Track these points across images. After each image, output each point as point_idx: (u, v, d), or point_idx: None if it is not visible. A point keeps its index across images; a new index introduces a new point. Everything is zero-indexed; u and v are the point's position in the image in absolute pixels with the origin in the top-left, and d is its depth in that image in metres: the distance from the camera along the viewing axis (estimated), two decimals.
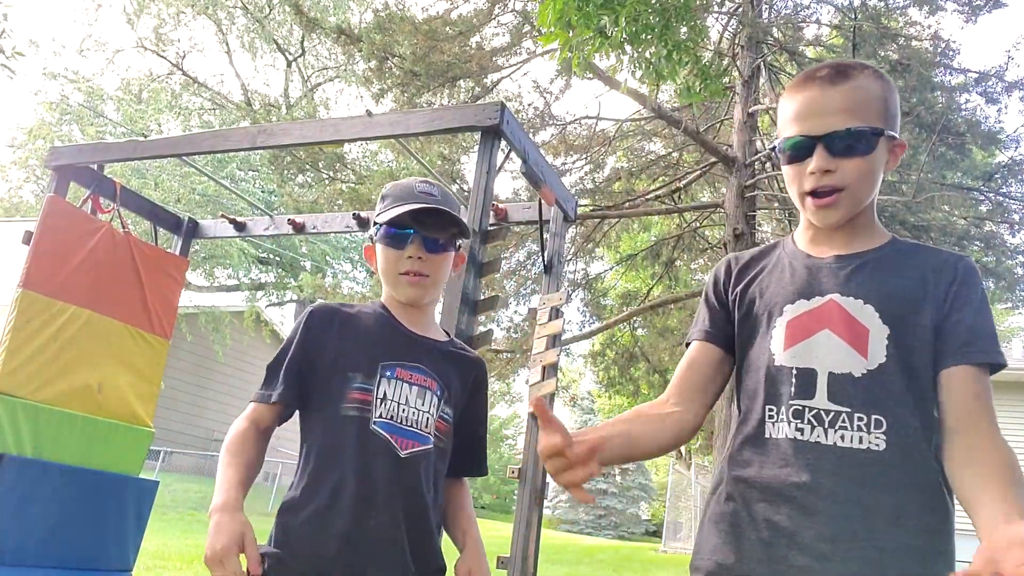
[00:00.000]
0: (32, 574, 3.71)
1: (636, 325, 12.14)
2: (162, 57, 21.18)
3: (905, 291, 1.33)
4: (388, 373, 1.65)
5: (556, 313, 4.11)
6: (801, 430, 1.30)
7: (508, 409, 34.94)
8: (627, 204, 10.36)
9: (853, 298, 1.34)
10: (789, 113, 1.39)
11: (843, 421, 1.28)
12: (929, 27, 9.42)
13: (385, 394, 1.63)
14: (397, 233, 1.69)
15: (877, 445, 1.26)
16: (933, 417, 1.29)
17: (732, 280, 1.51)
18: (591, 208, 10.24)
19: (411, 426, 1.63)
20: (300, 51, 21.54)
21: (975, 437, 1.25)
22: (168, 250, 4.94)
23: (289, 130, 4.17)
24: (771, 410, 1.36)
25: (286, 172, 10.87)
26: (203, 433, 18.28)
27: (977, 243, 9.42)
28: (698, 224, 11.29)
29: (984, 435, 1.25)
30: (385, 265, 1.72)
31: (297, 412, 1.71)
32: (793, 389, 1.33)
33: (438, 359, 1.74)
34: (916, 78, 8.50)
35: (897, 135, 1.38)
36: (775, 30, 9.71)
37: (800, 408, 1.32)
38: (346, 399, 1.62)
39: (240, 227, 5.07)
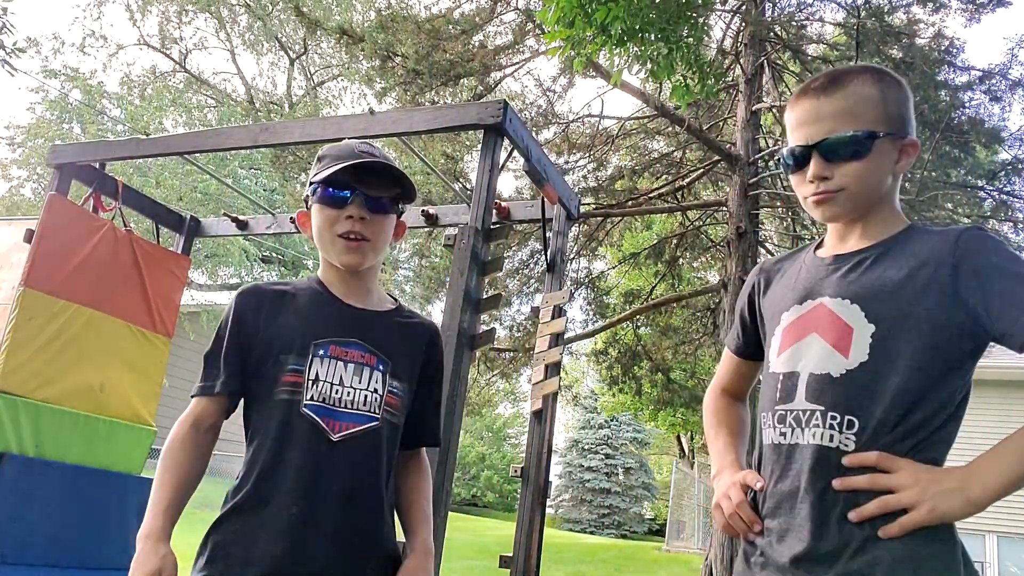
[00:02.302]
0: (33, 573, 3.70)
1: (639, 324, 12.11)
2: (165, 55, 21.21)
3: (895, 284, 1.30)
4: (321, 352, 1.56)
5: (559, 312, 4.10)
6: (784, 434, 1.34)
7: (511, 408, 34.95)
8: (630, 202, 10.34)
9: (841, 298, 1.35)
10: (791, 124, 1.45)
11: (817, 419, 1.30)
12: (933, 25, 9.37)
13: (317, 375, 1.54)
14: (336, 193, 1.60)
15: (846, 445, 1.27)
16: (927, 412, 1.27)
17: (760, 294, 1.58)
18: (594, 206, 10.22)
19: (346, 407, 1.54)
20: (303, 49, 21.54)
21: None
22: (170, 248, 4.94)
23: (291, 128, 4.17)
24: (764, 416, 1.41)
25: (288, 171, 10.86)
26: None
27: None
28: (701, 223, 11.27)
29: None
30: (321, 227, 1.61)
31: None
32: (779, 394, 1.38)
33: (380, 331, 1.64)
34: (919, 76, 8.46)
35: (906, 133, 1.39)
36: (778, 28, 9.68)
37: (783, 412, 1.36)
38: (279, 383, 1.54)
39: (242, 225, 5.07)
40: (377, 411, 1.58)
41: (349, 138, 1.75)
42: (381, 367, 1.60)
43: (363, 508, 1.55)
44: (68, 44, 19.20)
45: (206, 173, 5.85)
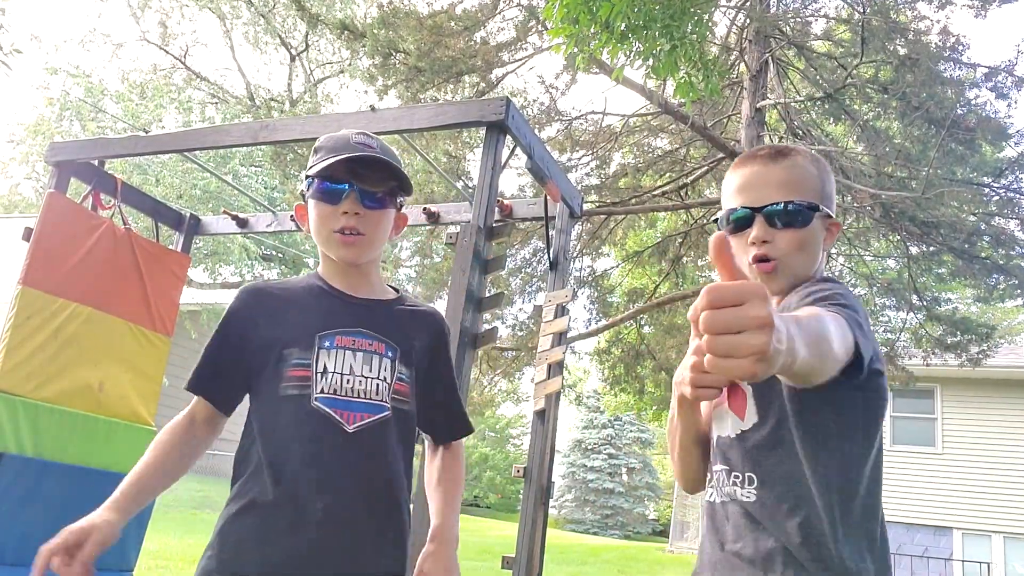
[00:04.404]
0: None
1: (642, 322, 12.06)
2: (165, 51, 21.18)
3: None
4: (327, 344, 1.53)
5: (562, 311, 4.06)
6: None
7: (514, 408, 34.90)
8: (633, 200, 10.30)
9: None
10: (732, 187, 1.49)
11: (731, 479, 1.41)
12: (938, 21, 9.31)
13: (325, 367, 1.51)
14: (331, 187, 1.56)
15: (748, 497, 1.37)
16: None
17: None
18: (597, 204, 10.19)
19: (359, 397, 1.51)
20: (304, 46, 21.51)
21: None
22: (170, 247, 4.91)
23: (291, 125, 4.13)
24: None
25: (288, 168, 10.83)
26: None
27: (986, 239, 9.35)
28: (705, 220, 11.22)
29: None
30: (318, 223, 1.58)
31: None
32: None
33: (385, 319, 1.61)
34: (925, 73, 8.41)
35: (832, 215, 1.47)
36: (783, 24, 9.63)
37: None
38: (284, 378, 1.50)
39: (243, 223, 5.04)
40: (387, 400, 1.55)
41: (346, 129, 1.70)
42: (390, 354, 1.58)
43: (385, 500, 1.53)
44: (68, 42, 19.15)
45: (206, 171, 5.81)
